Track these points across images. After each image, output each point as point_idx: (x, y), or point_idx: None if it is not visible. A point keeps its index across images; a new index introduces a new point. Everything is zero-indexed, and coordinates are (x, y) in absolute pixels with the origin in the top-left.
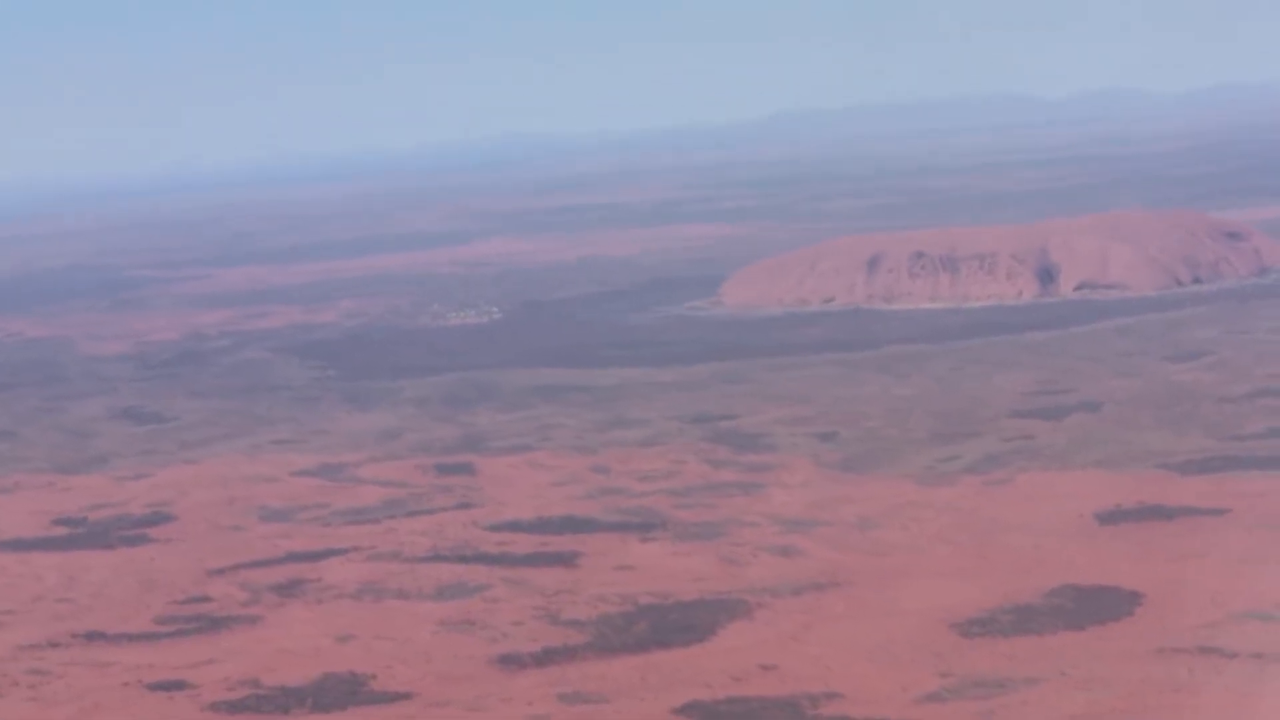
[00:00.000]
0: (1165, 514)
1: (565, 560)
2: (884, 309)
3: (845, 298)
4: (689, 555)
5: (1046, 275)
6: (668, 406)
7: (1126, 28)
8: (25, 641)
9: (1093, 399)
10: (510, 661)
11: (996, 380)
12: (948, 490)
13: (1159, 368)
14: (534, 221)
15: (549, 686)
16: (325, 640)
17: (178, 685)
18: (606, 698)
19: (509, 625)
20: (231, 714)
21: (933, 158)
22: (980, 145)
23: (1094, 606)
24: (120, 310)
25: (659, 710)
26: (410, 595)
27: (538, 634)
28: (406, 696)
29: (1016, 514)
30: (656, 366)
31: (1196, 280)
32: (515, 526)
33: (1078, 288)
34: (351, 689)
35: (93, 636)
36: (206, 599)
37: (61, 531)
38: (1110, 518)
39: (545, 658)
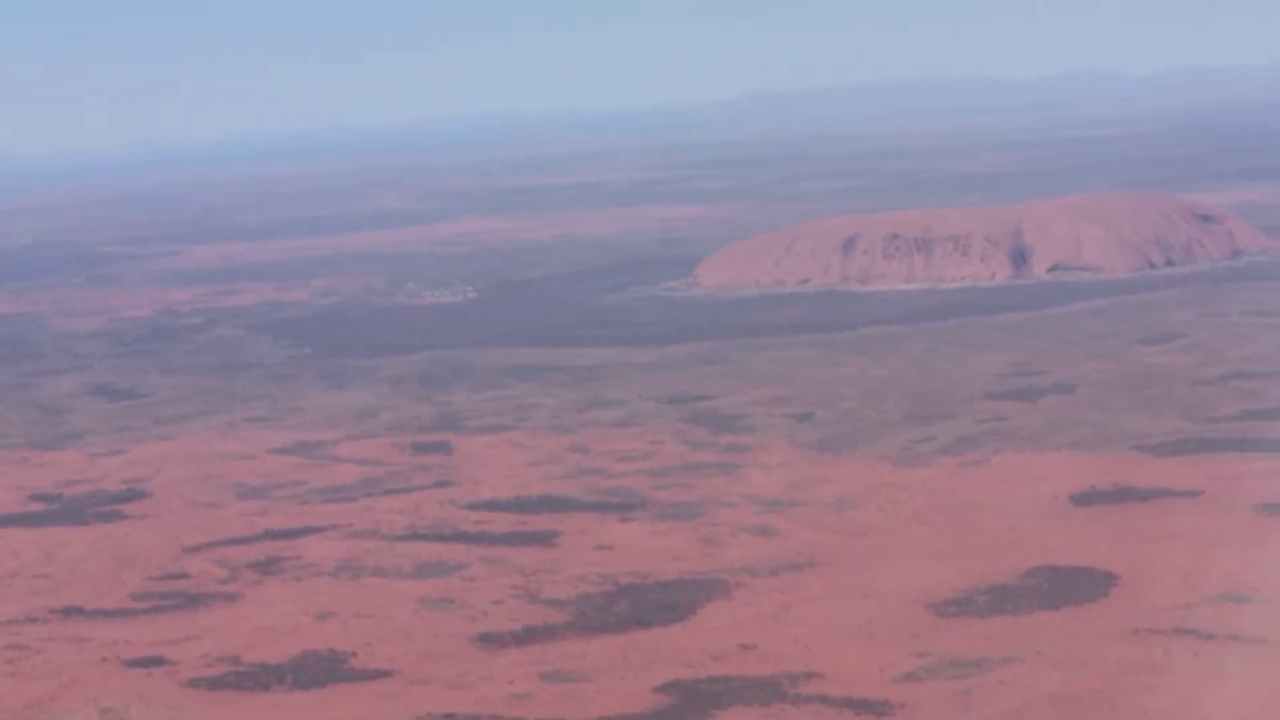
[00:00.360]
0: (1140, 496)
1: (544, 539)
2: (859, 290)
3: (821, 279)
4: (668, 535)
5: (1020, 257)
6: (645, 387)
7: (1095, 10)
8: (3, 617)
9: (1067, 381)
10: (491, 640)
11: (971, 362)
12: (923, 471)
13: (1133, 350)
14: (506, 201)
15: (530, 665)
16: (304, 618)
17: (156, 661)
18: (588, 676)
19: (489, 604)
20: (211, 691)
21: (902, 140)
22: (950, 127)
23: (1069, 587)
24: (93, 286)
25: (640, 689)
26: (389, 573)
27: (518, 613)
28: (387, 674)
29: (992, 495)
30: (633, 347)
31: (1169, 263)
32: (493, 505)
33: (1051, 269)
34: (331, 666)
35: (70, 612)
36: (184, 576)
37: (37, 507)
38: (1085, 499)
39: (526, 636)
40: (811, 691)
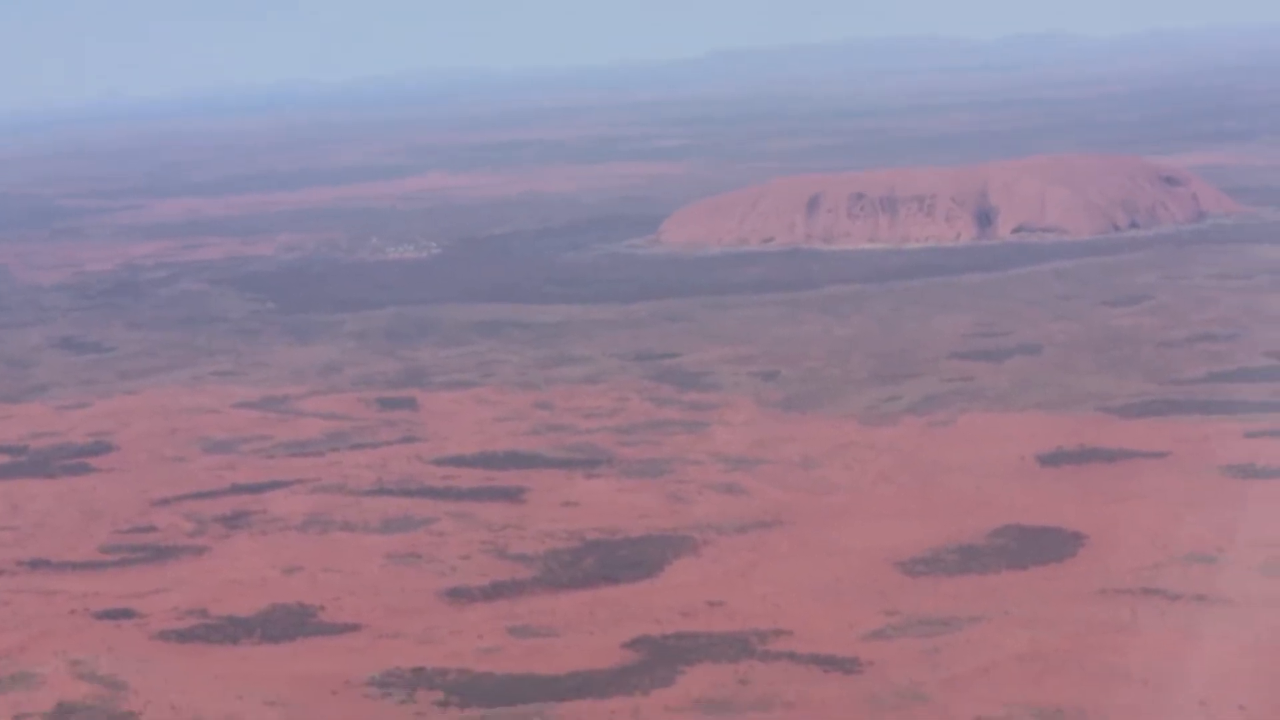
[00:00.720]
0: (1106, 456)
1: (511, 495)
2: (823, 249)
3: (785, 238)
4: (634, 492)
5: (985, 218)
6: (609, 344)
7: None
8: None
9: (1032, 341)
10: (459, 595)
11: (936, 322)
12: (889, 430)
13: (1098, 312)
14: (470, 157)
15: (498, 620)
16: (272, 571)
17: (125, 614)
18: (556, 631)
19: (456, 559)
20: (180, 643)
21: (866, 99)
22: (913, 87)
23: (1037, 547)
24: (55, 240)
25: (608, 644)
26: (356, 528)
27: (485, 568)
28: (356, 628)
29: (958, 455)
30: (597, 304)
31: (1134, 225)
32: (459, 461)
33: (1015, 230)
34: (300, 620)
35: (38, 564)
36: (151, 529)
37: (3, 460)
38: (1052, 459)
39: (494, 591)
40: (780, 648)
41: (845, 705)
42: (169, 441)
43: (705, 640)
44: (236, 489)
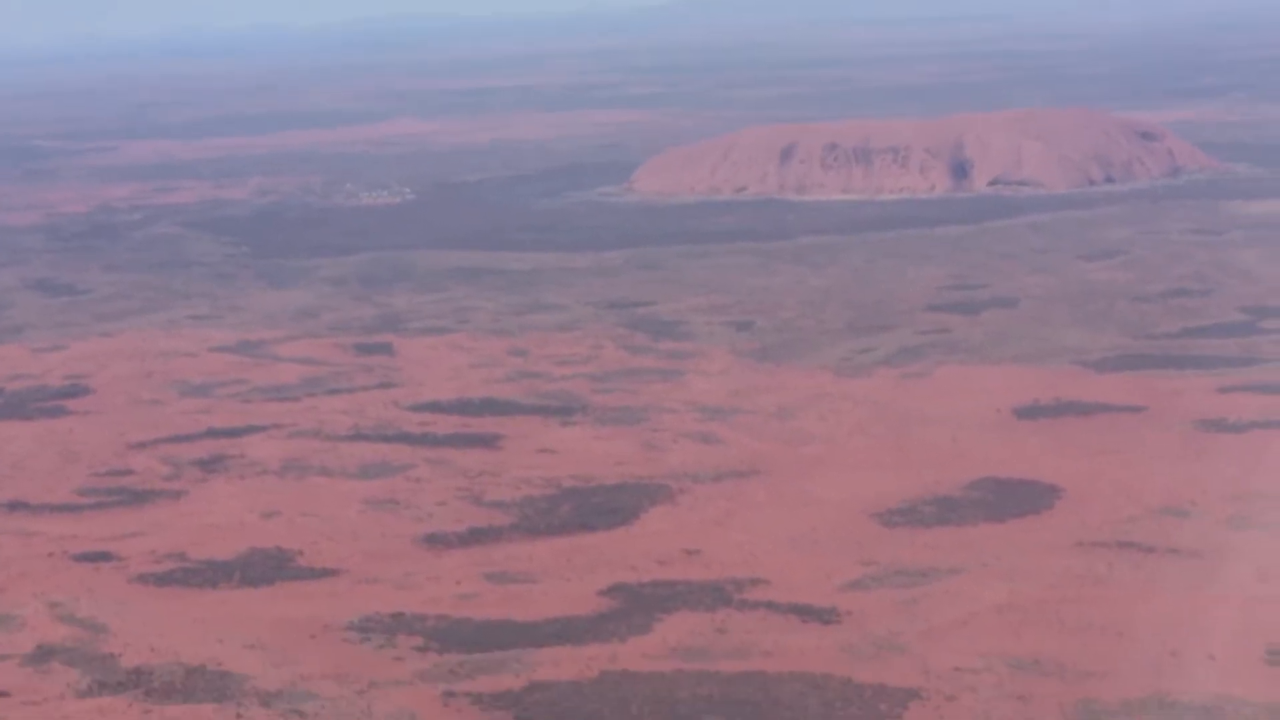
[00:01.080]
0: (1082, 410)
1: (487, 442)
2: (796, 199)
3: (757, 187)
4: (610, 440)
5: (960, 170)
6: (584, 292)
7: None
8: None
9: (1008, 295)
10: (436, 541)
11: (910, 273)
12: (865, 382)
13: (1073, 265)
14: (441, 103)
15: (475, 566)
16: (250, 516)
17: (103, 556)
18: (533, 578)
19: (433, 505)
20: (159, 586)
21: (835, 49)
22: (882, 37)
23: (1013, 499)
24: (27, 181)
25: (585, 591)
26: (334, 473)
27: (462, 514)
28: (334, 573)
29: (934, 407)
30: (570, 252)
31: (1109, 179)
32: (436, 407)
33: (991, 183)
34: (278, 564)
35: (15, 506)
36: (128, 472)
37: None
38: (1028, 412)
39: (471, 538)
40: (757, 597)
41: (823, 655)
42: (145, 385)
43: (682, 588)
44: (213, 433)
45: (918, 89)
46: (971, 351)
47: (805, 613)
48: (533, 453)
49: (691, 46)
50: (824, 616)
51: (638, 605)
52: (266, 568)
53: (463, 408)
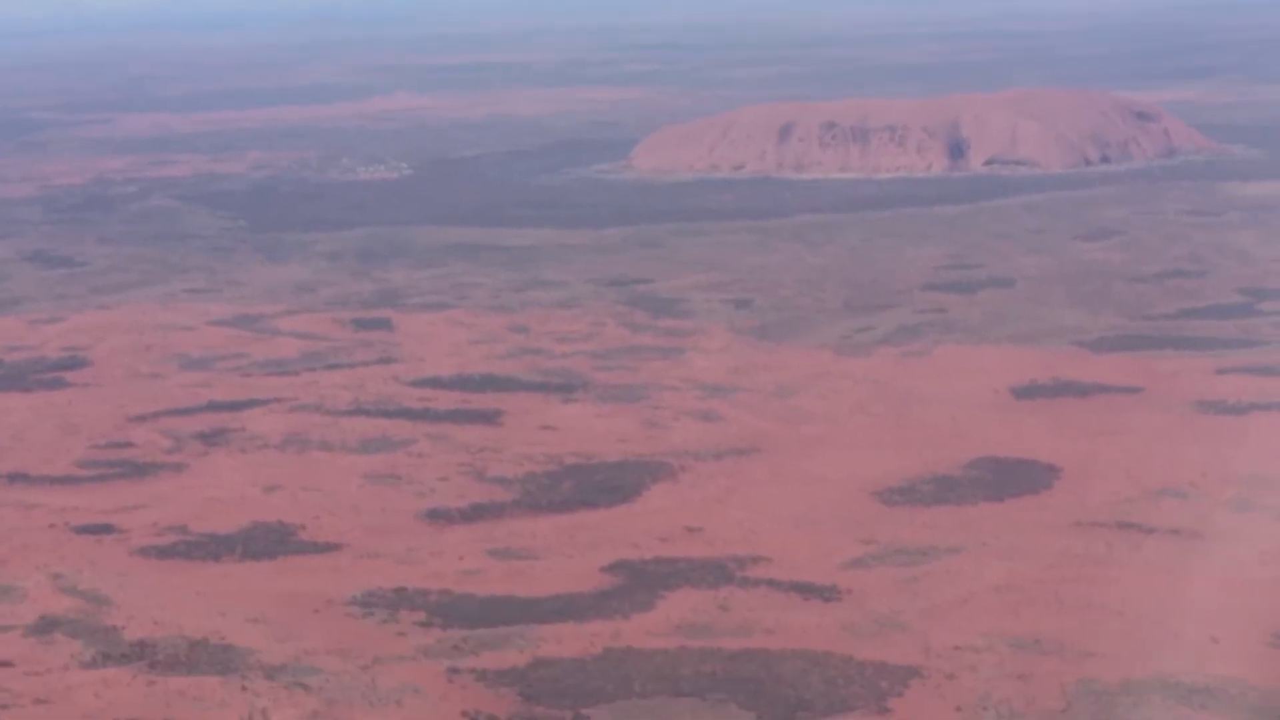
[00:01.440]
0: (1080, 390)
1: (488, 418)
2: (794, 178)
3: (755, 165)
4: (611, 417)
5: (956, 149)
6: (583, 269)
7: None
8: None
9: (1005, 275)
10: (438, 516)
11: (908, 252)
12: (864, 361)
13: (1070, 245)
14: (437, 78)
15: (478, 542)
16: (252, 489)
17: (105, 529)
18: (536, 554)
19: (435, 481)
20: (161, 559)
21: (830, 27)
22: (875, 15)
23: (1012, 479)
24: (22, 153)
25: (588, 568)
26: (335, 448)
27: (464, 490)
28: (337, 547)
29: (933, 386)
30: (569, 228)
31: (1105, 160)
32: (436, 383)
33: (987, 163)
34: (281, 538)
35: (15, 478)
36: (129, 445)
37: None
38: (1026, 392)
39: (473, 514)
40: (759, 575)
41: (825, 633)
42: (144, 358)
43: (684, 566)
44: (214, 406)
45: (914, 68)
46: (969, 331)
47: (806, 590)
48: (534, 429)
49: (687, 25)
50: (825, 594)
51: (640, 582)
52: (268, 541)
53: (463, 384)
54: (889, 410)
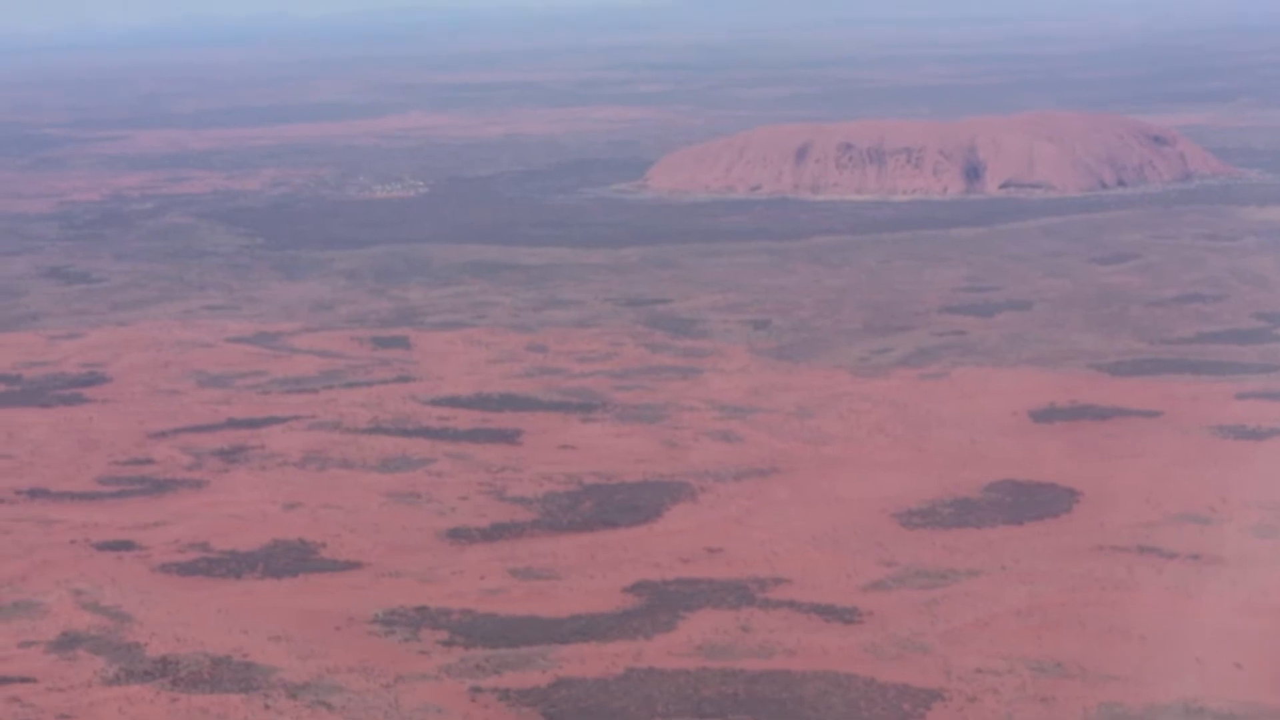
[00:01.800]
0: (1099, 414)
1: (507, 437)
2: (810, 199)
3: (772, 186)
4: (630, 437)
5: (973, 172)
6: (600, 288)
7: None
8: None
9: (1022, 298)
10: (459, 535)
11: (926, 275)
12: (882, 382)
13: (1087, 269)
14: (451, 97)
15: (499, 561)
16: (272, 507)
17: (126, 545)
18: (557, 574)
19: (455, 499)
20: (183, 576)
21: (842, 48)
22: (884, 38)
23: (1032, 502)
24: (38, 169)
25: (609, 588)
26: (355, 465)
27: (484, 509)
28: (358, 566)
29: (952, 408)
30: (586, 248)
31: (1121, 183)
32: (455, 402)
33: (1003, 185)
34: (302, 556)
35: (36, 494)
36: (149, 461)
37: None
38: (1045, 415)
39: (494, 533)
40: (780, 596)
41: (847, 654)
42: (163, 374)
43: (705, 586)
44: (233, 423)
45: (926, 90)
46: (987, 354)
47: (828, 612)
48: (553, 449)
49: (698, 45)
50: (846, 616)
51: (661, 602)
52: (290, 559)
53: (482, 402)
54: (908, 432)
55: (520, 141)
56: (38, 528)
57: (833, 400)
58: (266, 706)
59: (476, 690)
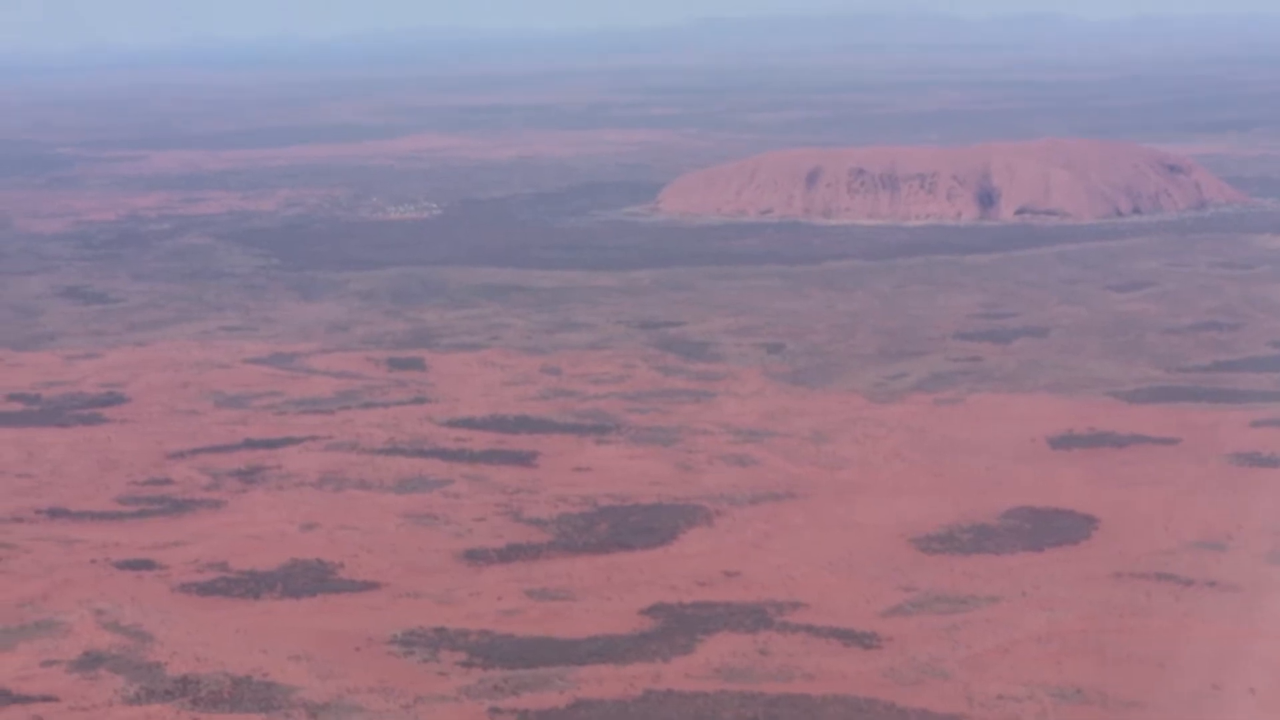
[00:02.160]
0: (1116, 441)
1: (523, 459)
2: (822, 223)
3: (783, 210)
4: (645, 459)
5: (987, 198)
6: (613, 311)
7: None
8: None
9: (1038, 324)
10: (476, 556)
11: (940, 300)
12: (898, 407)
13: (1103, 296)
14: (463, 119)
15: (516, 582)
16: (290, 527)
17: (146, 565)
18: (573, 596)
19: (471, 521)
20: (202, 596)
21: (854, 73)
22: (898, 63)
23: (1050, 529)
24: (54, 189)
25: (626, 610)
26: (371, 486)
27: (501, 530)
28: (375, 586)
29: (968, 434)
30: (598, 270)
31: (1136, 211)
32: (470, 423)
33: (1018, 212)
34: (320, 576)
35: (56, 513)
36: (168, 481)
37: (16, 407)
38: (1062, 442)
39: (510, 554)
40: (798, 620)
41: (866, 679)
42: (180, 395)
43: (723, 610)
44: (250, 444)
45: (938, 116)
46: (1004, 380)
47: (846, 637)
48: (569, 471)
49: (707, 69)
50: (865, 641)
51: (679, 625)
52: (308, 579)
53: (498, 424)
54: (925, 457)
55: (532, 164)
56: (58, 547)
57: (848, 425)
58: None
59: (496, 711)
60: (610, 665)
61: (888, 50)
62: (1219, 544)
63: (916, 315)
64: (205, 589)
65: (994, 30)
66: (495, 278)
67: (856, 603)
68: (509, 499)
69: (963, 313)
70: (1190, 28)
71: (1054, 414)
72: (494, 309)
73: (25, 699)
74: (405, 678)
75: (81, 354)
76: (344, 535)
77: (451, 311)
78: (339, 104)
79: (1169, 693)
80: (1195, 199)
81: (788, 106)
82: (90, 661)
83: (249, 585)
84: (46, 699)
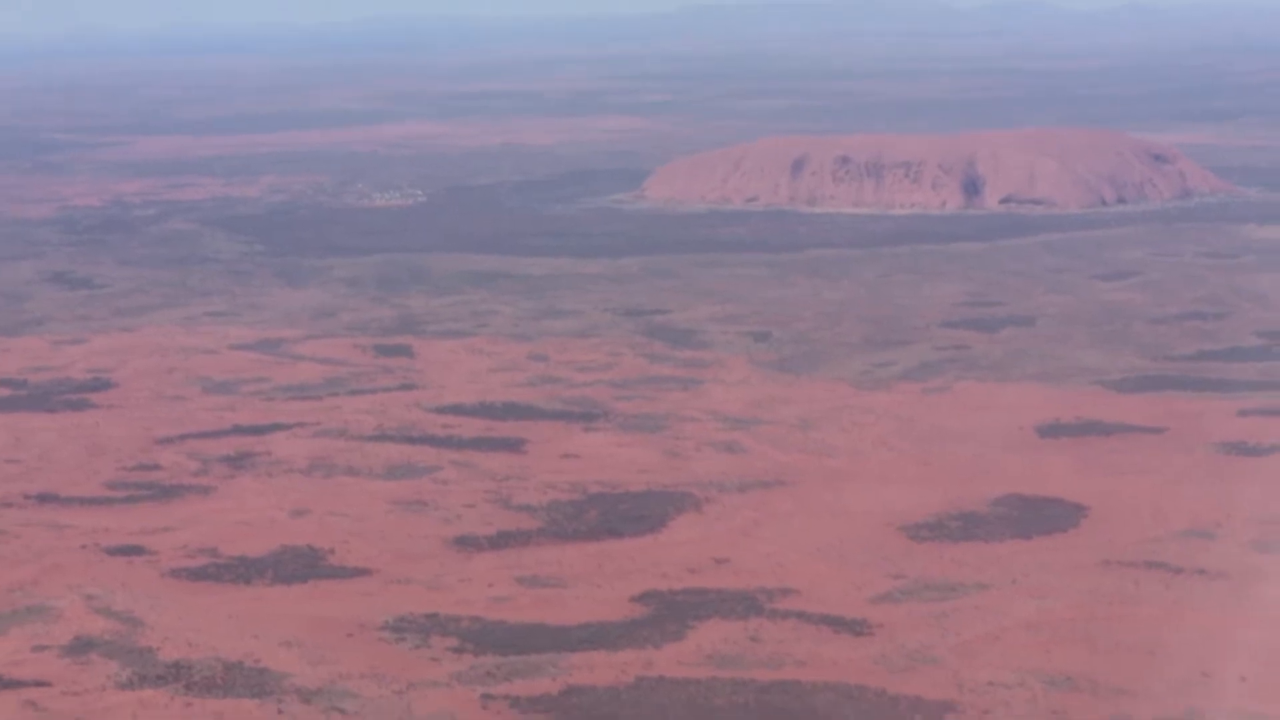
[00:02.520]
0: (1103, 430)
1: (512, 446)
2: (807, 211)
3: (768, 198)
4: (633, 446)
5: (972, 187)
6: (599, 298)
7: None
8: None
9: (1024, 313)
10: (466, 543)
11: (926, 289)
12: (885, 396)
13: (1089, 285)
14: (451, 106)
15: (505, 569)
16: (279, 513)
17: (136, 550)
18: (564, 583)
19: (461, 507)
20: (192, 581)
21: (843, 60)
22: (886, 50)
23: (1039, 517)
24: (40, 174)
25: (616, 597)
26: (360, 473)
27: (490, 517)
28: (366, 573)
29: (956, 422)
30: (584, 257)
31: (1121, 201)
32: (458, 410)
33: (1003, 201)
34: (310, 563)
35: (45, 498)
36: (156, 467)
37: (4, 392)
38: (1050, 431)
39: (500, 541)
40: (788, 607)
41: (857, 666)
42: (168, 380)
43: (713, 596)
44: (238, 430)
45: (925, 104)
46: (990, 369)
47: (837, 624)
48: (557, 458)
49: (698, 55)
50: (855, 628)
51: (670, 612)
52: (299, 565)
53: (486, 411)
54: (912, 446)
55: (519, 151)
56: (48, 532)
57: (835, 413)
58: (280, 712)
59: (488, 697)
60: (602, 652)
61: (879, 37)
62: (1207, 532)
63: (902, 304)
64: (196, 574)
65: (985, 17)
66: (481, 265)
67: (846, 590)
68: (498, 486)
69: (949, 301)
70: (1179, 17)
71: (1041, 403)
72: (481, 296)
73: (18, 684)
74: (397, 664)
75: (69, 339)
76: (334, 521)
77: (438, 298)
78: (327, 90)
79: (1158, 680)
80: (1180, 188)
81: (776, 94)
82: (82, 646)
83: (239, 571)
84: (39, 684)
